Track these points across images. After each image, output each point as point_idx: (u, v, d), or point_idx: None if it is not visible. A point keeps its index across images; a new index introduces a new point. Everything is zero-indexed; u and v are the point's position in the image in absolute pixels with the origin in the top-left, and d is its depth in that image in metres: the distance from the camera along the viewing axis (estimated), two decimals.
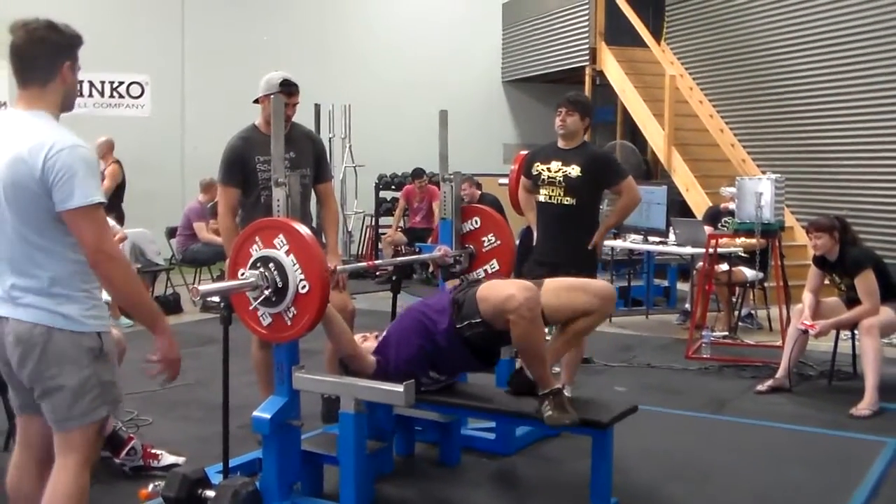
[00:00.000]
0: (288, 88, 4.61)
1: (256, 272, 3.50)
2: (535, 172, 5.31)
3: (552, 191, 5.22)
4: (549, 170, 5.23)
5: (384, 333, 4.12)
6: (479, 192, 10.33)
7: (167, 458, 4.34)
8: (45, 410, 2.82)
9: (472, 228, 4.85)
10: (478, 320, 3.76)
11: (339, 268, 4.18)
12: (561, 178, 5.18)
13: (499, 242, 4.79)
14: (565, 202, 5.18)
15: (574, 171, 5.15)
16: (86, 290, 2.77)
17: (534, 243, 5.49)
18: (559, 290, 4.01)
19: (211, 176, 9.91)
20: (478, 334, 3.80)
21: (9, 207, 2.70)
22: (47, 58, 2.76)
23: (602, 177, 5.24)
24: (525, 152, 6.32)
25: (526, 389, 3.98)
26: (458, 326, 3.84)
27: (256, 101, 4.76)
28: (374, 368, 3.93)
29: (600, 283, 4.15)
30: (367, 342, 4.09)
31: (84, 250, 2.68)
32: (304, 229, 3.51)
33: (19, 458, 2.97)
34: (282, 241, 3.48)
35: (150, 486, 3.95)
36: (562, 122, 5.22)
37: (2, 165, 2.69)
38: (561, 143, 5.29)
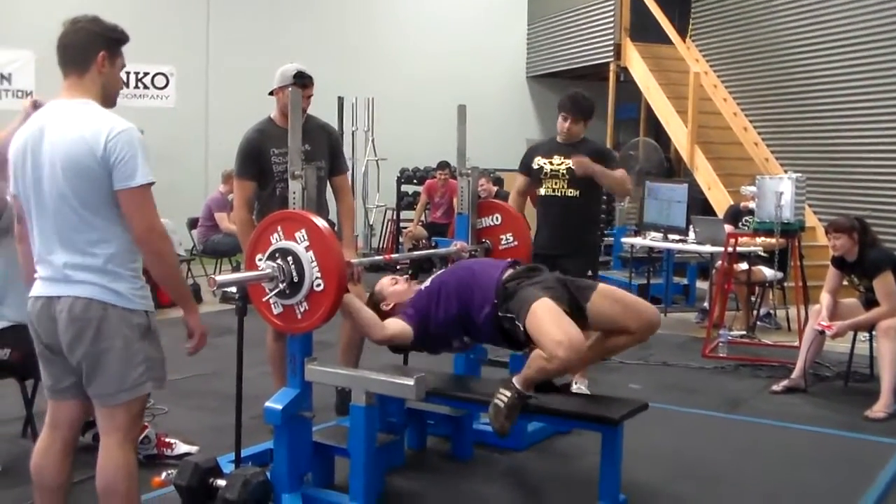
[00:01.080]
0: (302, 80, 4.62)
1: (274, 263, 3.52)
2: (536, 167, 5.41)
3: (556, 184, 5.33)
4: (551, 163, 5.35)
5: (428, 283, 4.11)
6: (496, 189, 10.32)
7: (181, 447, 4.39)
8: (93, 389, 2.88)
9: (493, 224, 4.86)
10: (520, 327, 3.73)
11: (354, 261, 4.19)
12: (564, 171, 5.30)
13: (516, 243, 4.80)
14: (569, 194, 5.31)
15: None
16: (133, 270, 2.87)
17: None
18: (613, 300, 3.94)
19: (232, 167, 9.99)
20: (514, 329, 3.80)
21: (68, 187, 2.78)
22: (83, 47, 2.87)
23: (601, 164, 5.29)
24: None
25: (543, 385, 3.99)
26: (499, 314, 3.84)
27: (272, 94, 4.78)
28: (412, 335, 3.93)
29: (651, 309, 4.02)
30: (397, 285, 4.13)
31: (135, 228, 2.79)
32: (326, 228, 3.52)
33: (45, 440, 3.03)
34: (303, 236, 3.48)
35: (163, 475, 3.99)
36: (567, 129, 5.35)
37: (58, 148, 2.78)
38: (561, 139, 5.41)
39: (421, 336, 3.91)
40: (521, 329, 3.72)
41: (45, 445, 3.02)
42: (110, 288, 2.81)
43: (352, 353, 4.71)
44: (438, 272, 4.23)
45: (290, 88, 4.23)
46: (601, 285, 4.05)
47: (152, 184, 2.81)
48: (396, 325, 3.95)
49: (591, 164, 5.19)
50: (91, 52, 2.87)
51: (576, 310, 3.81)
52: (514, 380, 3.73)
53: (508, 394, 3.70)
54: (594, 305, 3.86)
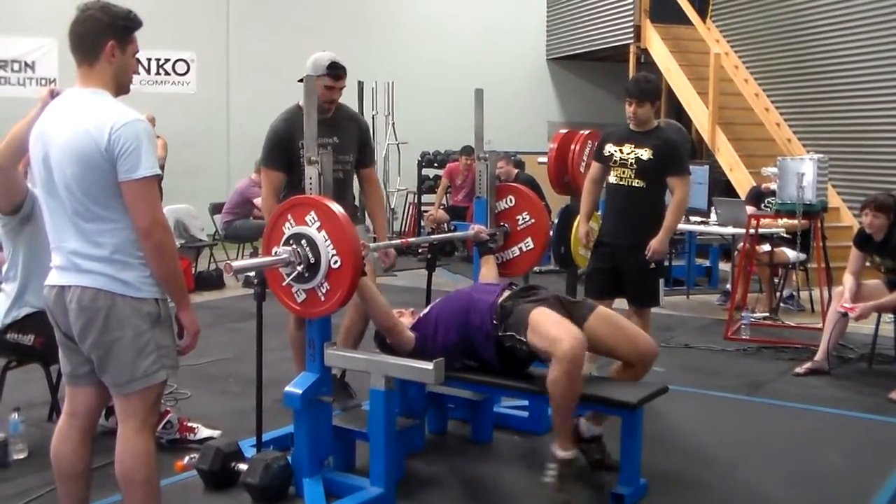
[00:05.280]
0: (335, 72, 4.52)
1: (289, 248, 3.53)
2: (607, 154, 5.30)
3: (623, 173, 5.21)
4: (621, 151, 5.23)
5: (427, 310, 4.12)
6: (516, 171, 10.35)
7: (203, 432, 4.42)
8: (106, 378, 2.90)
9: (507, 207, 4.85)
10: (522, 340, 3.73)
11: (370, 245, 4.12)
12: (633, 161, 5.17)
13: (533, 221, 4.79)
14: (635, 184, 5.18)
15: (646, 153, 5.15)
16: (141, 258, 2.85)
17: (575, 227, 5.47)
18: (610, 324, 3.94)
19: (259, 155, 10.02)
20: (518, 349, 3.79)
21: (74, 179, 2.77)
22: (92, 37, 2.84)
23: (668, 162, 5.18)
24: (565, 131, 6.30)
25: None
26: (499, 334, 3.84)
27: (301, 81, 4.68)
28: (413, 345, 3.94)
29: (648, 342, 4.01)
30: (402, 318, 4.10)
31: (138, 220, 2.77)
32: (335, 206, 3.53)
33: (64, 426, 3.05)
34: (313, 218, 3.50)
35: (186, 459, 4.04)
36: (633, 114, 5.19)
37: (66, 140, 2.77)
38: (634, 126, 5.26)
39: (419, 356, 3.84)
40: (524, 342, 3.71)
41: (64, 433, 3.04)
42: (118, 278, 2.81)
43: (350, 339, 4.59)
44: (436, 301, 4.22)
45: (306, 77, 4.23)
46: (600, 307, 4.04)
47: (157, 177, 2.79)
48: (406, 327, 3.99)
49: (661, 246, 5.14)
50: (100, 41, 2.83)
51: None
52: (554, 448, 3.69)
53: (553, 465, 3.66)
54: (591, 327, 3.85)
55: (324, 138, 4.30)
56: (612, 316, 4.02)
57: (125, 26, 2.89)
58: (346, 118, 4.70)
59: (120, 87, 2.91)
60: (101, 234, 2.80)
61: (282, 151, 4.57)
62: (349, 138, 4.66)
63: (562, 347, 3.51)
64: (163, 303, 2.92)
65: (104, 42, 2.84)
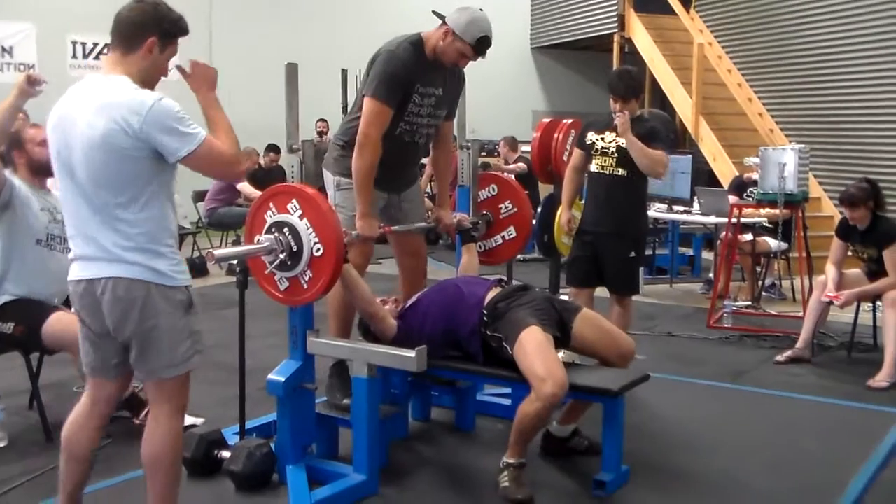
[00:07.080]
0: (482, 50, 4.08)
1: (272, 237, 3.53)
2: (588, 142, 5.28)
3: (605, 161, 5.19)
4: (602, 140, 5.21)
5: (414, 300, 4.11)
6: (516, 155, 10.41)
7: (186, 420, 4.38)
8: (143, 366, 2.91)
9: (490, 195, 4.86)
10: (508, 350, 3.73)
11: (353, 233, 4.05)
12: (614, 149, 5.15)
13: (516, 210, 4.80)
14: (617, 173, 5.15)
15: None
16: (170, 246, 2.87)
17: (558, 215, 5.47)
18: (594, 326, 4.00)
19: (252, 146, 10.03)
20: (501, 349, 3.79)
21: (101, 169, 2.75)
22: (134, 27, 2.86)
23: (647, 142, 5.08)
24: (548, 120, 6.30)
25: (551, 444, 4.19)
26: (487, 332, 3.84)
27: (441, 18, 4.14)
28: (395, 332, 3.94)
29: (628, 342, 4.07)
30: (386, 306, 4.09)
31: (216, 177, 2.79)
32: (317, 194, 3.54)
33: (83, 414, 3.07)
34: (295, 206, 3.49)
35: None
36: (620, 112, 5.08)
37: (91, 129, 2.74)
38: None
39: (403, 345, 3.81)
40: (509, 352, 3.73)
41: (83, 419, 3.05)
42: (150, 266, 2.80)
43: (340, 318, 4.18)
44: (424, 290, 4.20)
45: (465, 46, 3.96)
46: (585, 310, 4.08)
47: (207, 136, 2.84)
48: (388, 314, 3.98)
49: (628, 128, 4.98)
50: (145, 32, 2.85)
51: (561, 330, 3.88)
52: (504, 458, 3.72)
53: (506, 473, 3.70)
54: (577, 328, 3.94)
55: (430, 87, 4.09)
56: (596, 318, 4.08)
57: (169, 31, 2.92)
58: (455, 71, 4.23)
59: (144, 83, 2.88)
60: (131, 225, 2.79)
61: (401, 89, 3.98)
62: (452, 92, 4.27)
63: (544, 390, 3.51)
64: (192, 290, 2.95)
65: (148, 35, 2.85)
